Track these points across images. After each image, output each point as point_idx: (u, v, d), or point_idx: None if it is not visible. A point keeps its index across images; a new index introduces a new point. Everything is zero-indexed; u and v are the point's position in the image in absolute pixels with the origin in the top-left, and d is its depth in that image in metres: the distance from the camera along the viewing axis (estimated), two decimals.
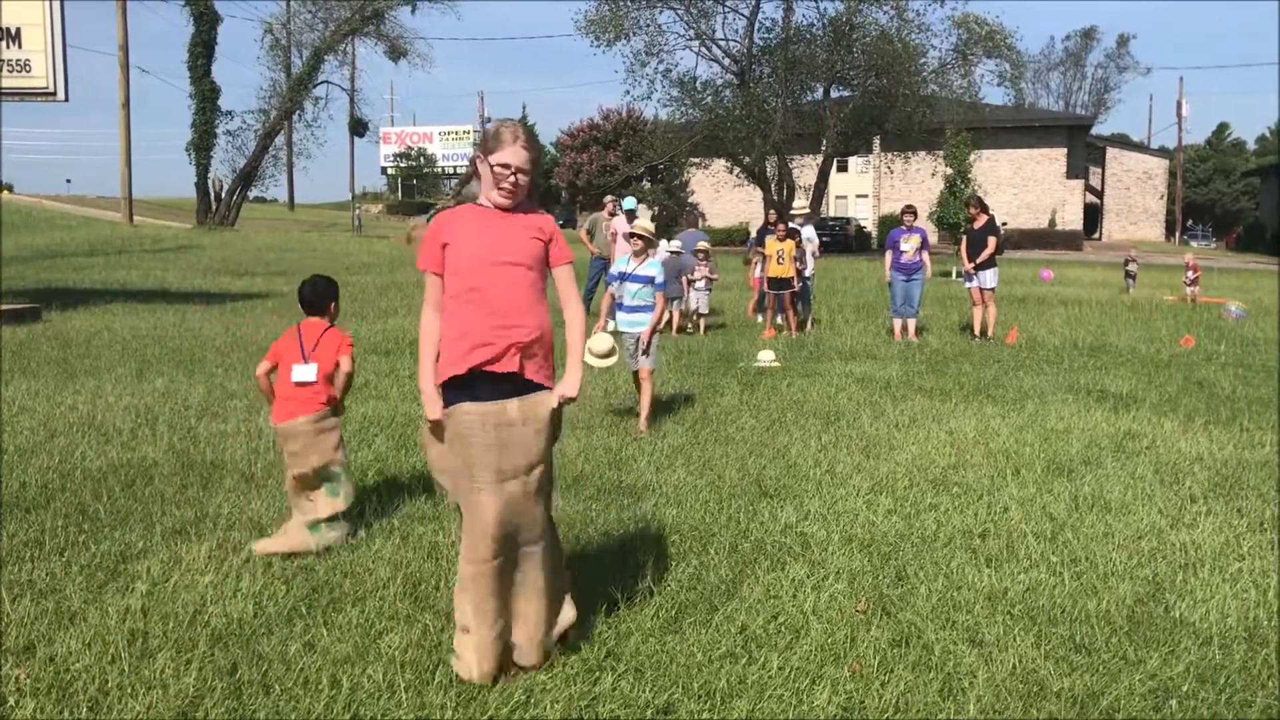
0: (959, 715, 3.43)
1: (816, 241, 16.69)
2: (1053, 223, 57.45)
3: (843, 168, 57.27)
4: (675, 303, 14.81)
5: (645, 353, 8.03)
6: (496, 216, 3.66)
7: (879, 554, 4.98)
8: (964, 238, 14.27)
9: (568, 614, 3.83)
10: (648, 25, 39.87)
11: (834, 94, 42.56)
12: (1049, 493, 6.14)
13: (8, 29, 15.27)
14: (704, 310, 14.87)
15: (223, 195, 45.51)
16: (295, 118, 47.90)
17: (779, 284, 14.37)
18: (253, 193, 49.38)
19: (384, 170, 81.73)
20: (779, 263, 14.23)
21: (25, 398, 8.38)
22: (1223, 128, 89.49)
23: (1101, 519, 5.64)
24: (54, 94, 15.66)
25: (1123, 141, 73.89)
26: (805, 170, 43.92)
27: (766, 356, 11.44)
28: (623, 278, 8.18)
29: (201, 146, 43.64)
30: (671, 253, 15.52)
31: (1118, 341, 13.89)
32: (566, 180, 55.62)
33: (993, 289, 13.88)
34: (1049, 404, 9.06)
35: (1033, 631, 4.09)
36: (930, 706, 3.48)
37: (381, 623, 4.04)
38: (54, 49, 15.39)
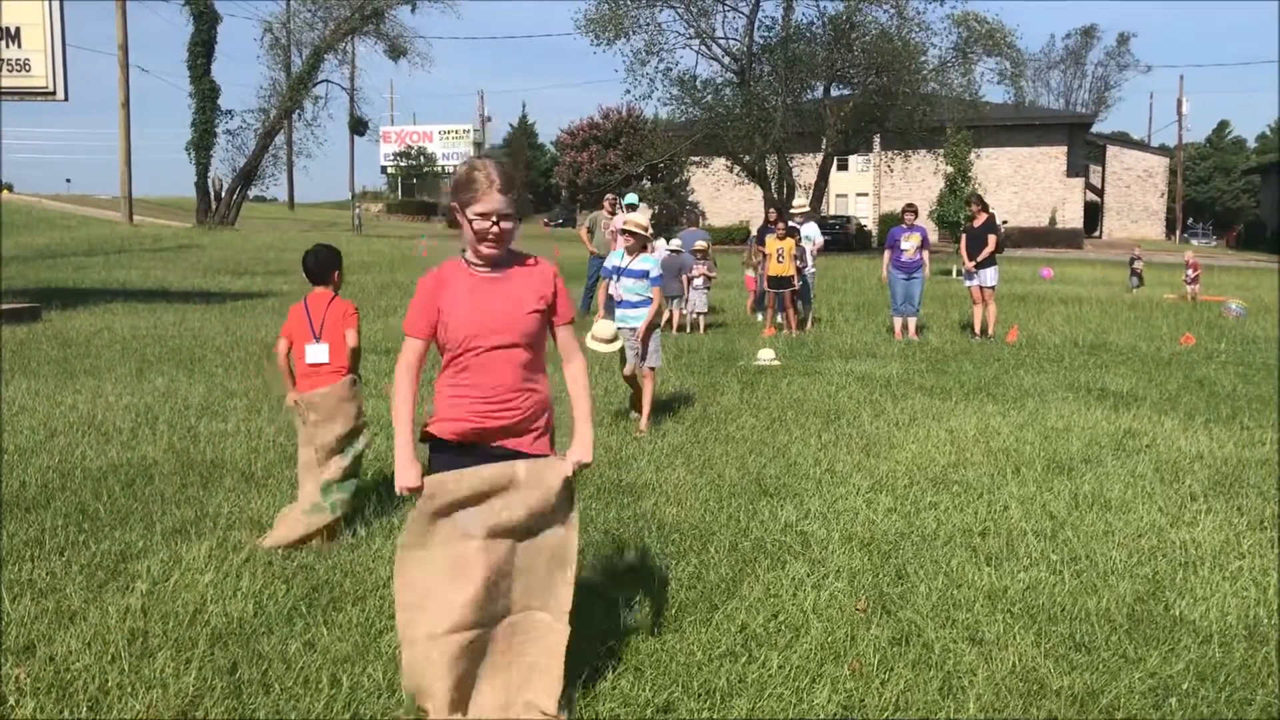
0: (959, 713, 3.43)
1: (819, 240, 16.68)
2: (1053, 221, 57.44)
3: (843, 166, 57.24)
4: (675, 301, 14.82)
5: (646, 352, 7.98)
6: (487, 283, 3.28)
7: (879, 552, 4.98)
8: (964, 236, 14.28)
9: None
10: (647, 24, 39.92)
11: (834, 92, 42.57)
12: (1049, 491, 6.15)
13: (7, 28, 15.26)
14: (702, 309, 14.87)
15: (223, 194, 45.51)
16: (295, 117, 47.91)
17: (779, 283, 14.36)
18: (253, 192, 49.43)
19: (384, 169, 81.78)
20: (779, 261, 14.22)
21: (25, 397, 8.38)
22: (1223, 126, 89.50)
23: (1101, 517, 5.64)
24: (53, 93, 15.65)
25: (1123, 140, 73.80)
26: (805, 169, 43.93)
27: (767, 355, 11.44)
28: (618, 273, 8.12)
29: (201, 146, 43.64)
30: (672, 251, 15.53)
31: (1118, 340, 13.89)
32: (566, 179, 55.62)
33: (993, 287, 13.88)
34: (1049, 402, 9.06)
35: (1033, 630, 4.09)
36: (930, 705, 3.48)
37: (381, 622, 4.04)
38: (53, 48, 15.39)
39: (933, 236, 19.16)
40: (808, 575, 4.63)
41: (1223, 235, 73.66)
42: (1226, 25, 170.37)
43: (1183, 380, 10.49)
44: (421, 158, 78.68)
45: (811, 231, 16.23)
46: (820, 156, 42.91)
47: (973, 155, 34.18)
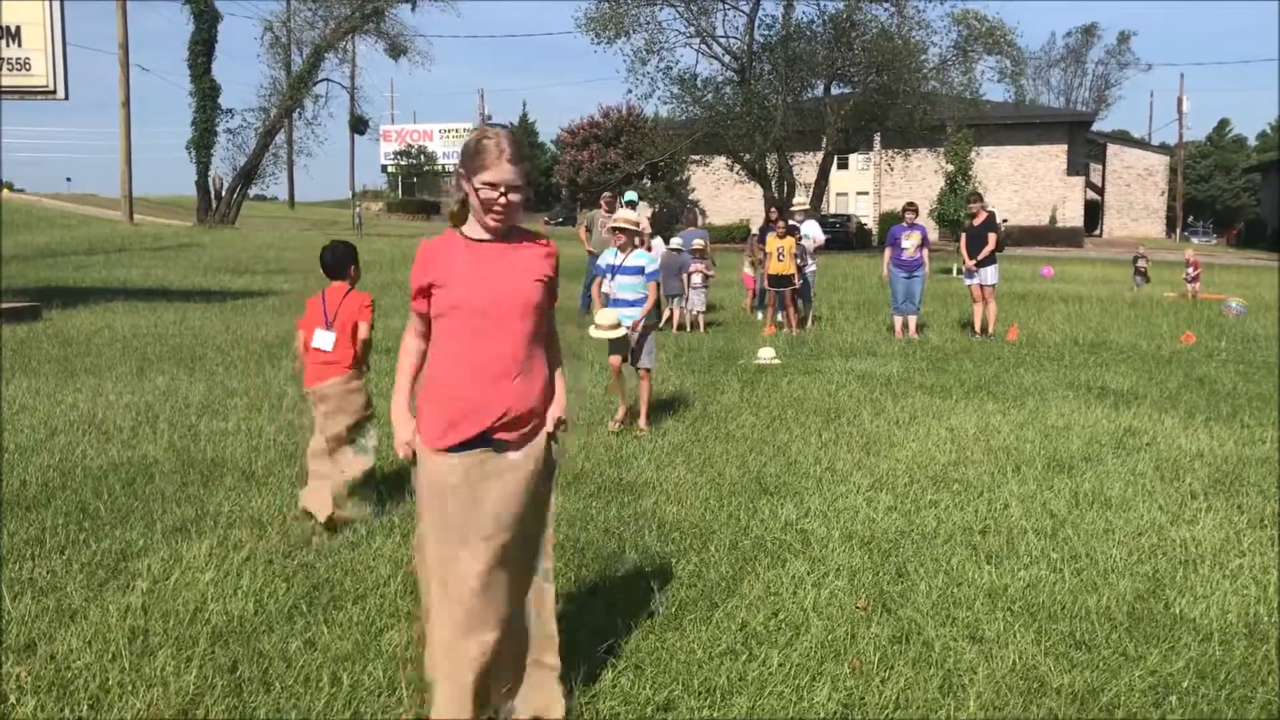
0: (959, 711, 3.44)
1: (820, 238, 16.69)
2: (1053, 219, 57.43)
3: (843, 165, 57.21)
4: (676, 300, 14.82)
5: (640, 353, 7.91)
6: (489, 253, 3.10)
7: (879, 551, 4.98)
8: (964, 234, 14.27)
9: (549, 706, 3.24)
10: (648, 23, 39.93)
11: (834, 91, 42.58)
12: (1049, 489, 6.15)
13: (7, 27, 15.26)
14: (700, 308, 14.86)
15: (223, 193, 45.51)
16: (295, 115, 47.91)
17: (779, 281, 14.36)
18: (253, 191, 49.51)
19: (384, 168, 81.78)
20: (779, 260, 14.22)
21: (26, 396, 8.38)
22: (1223, 124, 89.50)
23: (1102, 515, 5.64)
24: (54, 92, 15.65)
25: (1123, 138, 73.75)
26: (806, 167, 43.95)
27: (767, 354, 11.44)
28: (612, 271, 8.00)
29: (202, 145, 43.65)
30: (672, 250, 15.54)
31: (1118, 338, 13.89)
32: (567, 178, 55.59)
33: (993, 286, 13.88)
34: (1049, 401, 9.06)
35: (1033, 628, 4.09)
36: (930, 703, 3.48)
37: (382, 620, 4.04)
38: (54, 47, 15.38)
39: (933, 235, 19.13)
40: (808, 573, 4.63)
41: (1223, 233, 73.64)
42: (1227, 23, 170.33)
43: (1183, 378, 10.49)
44: (422, 156, 78.70)
45: (812, 229, 16.23)
46: (820, 155, 42.92)
47: (973, 154, 34.19)
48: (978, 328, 13.91)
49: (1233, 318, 16.89)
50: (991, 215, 14.21)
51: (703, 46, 41.40)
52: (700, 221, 18.49)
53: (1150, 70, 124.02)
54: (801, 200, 22.14)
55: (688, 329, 14.52)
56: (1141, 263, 24.25)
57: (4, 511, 5.32)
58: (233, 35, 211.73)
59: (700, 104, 40.93)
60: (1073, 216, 57.82)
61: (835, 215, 51.54)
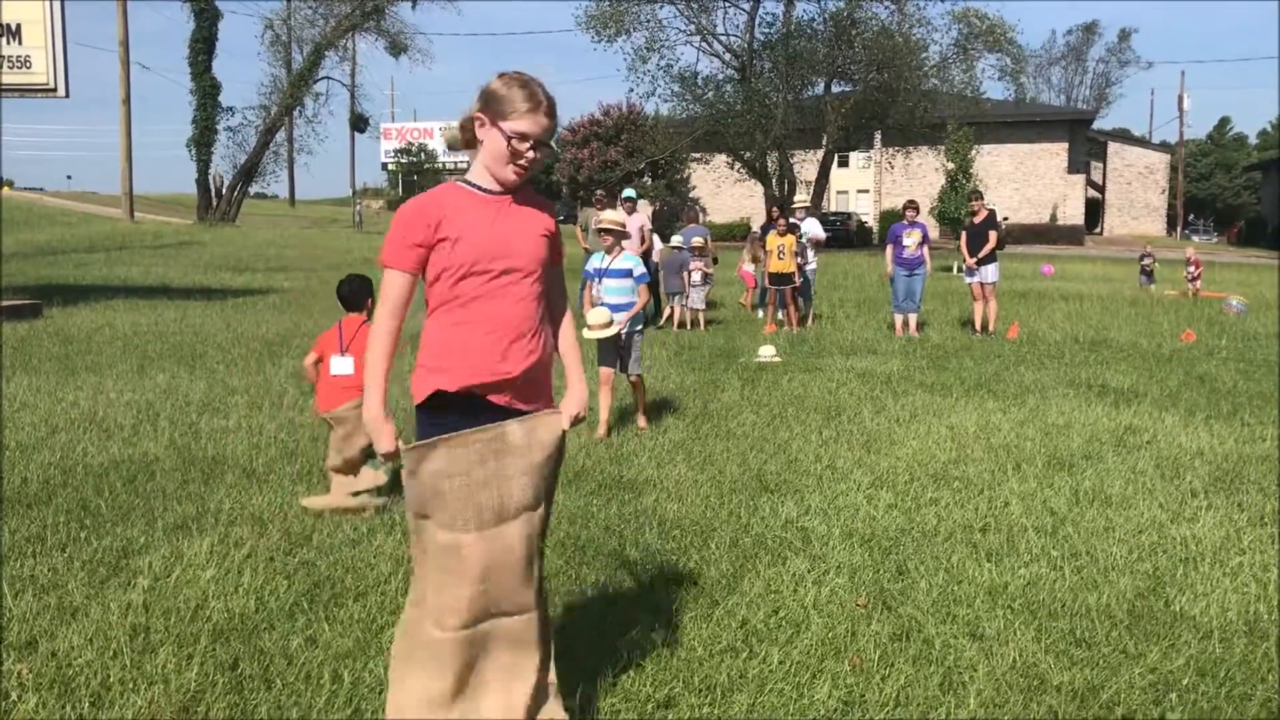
0: (959, 709, 3.44)
1: (820, 234, 16.71)
2: (1054, 217, 57.42)
3: (844, 163, 57.21)
4: (676, 298, 14.83)
5: (628, 362, 7.66)
6: (497, 206, 2.89)
7: (879, 548, 4.99)
8: (964, 232, 14.27)
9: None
10: (648, 21, 39.93)
11: (835, 89, 42.58)
12: (1050, 487, 6.15)
13: (8, 25, 15.26)
14: (700, 305, 14.87)
15: (223, 191, 45.54)
16: (296, 113, 47.96)
17: (780, 279, 14.37)
18: (253, 189, 49.52)
19: (385, 166, 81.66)
20: (779, 258, 14.22)
21: (27, 394, 8.38)
22: (1224, 122, 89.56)
23: (1102, 513, 5.64)
24: (54, 90, 15.65)
25: (1124, 136, 73.71)
26: (806, 165, 43.96)
27: (767, 352, 11.44)
28: (599, 274, 7.73)
29: (202, 142, 43.67)
30: (673, 248, 15.55)
31: (1119, 336, 13.89)
32: (567, 176, 55.57)
33: (994, 284, 13.89)
34: (1050, 399, 9.06)
35: (1033, 625, 4.09)
36: (930, 700, 3.49)
37: (383, 617, 4.05)
38: (54, 45, 15.39)
39: (933, 233, 19.12)
40: (808, 571, 4.63)
41: (1223, 232, 73.61)
42: (1228, 22, 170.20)
43: (1183, 377, 10.50)
44: (422, 154, 78.58)
45: (812, 227, 16.25)
46: (821, 153, 42.93)
47: (974, 151, 34.19)
48: (978, 326, 13.92)
49: (1233, 316, 16.89)
50: (992, 213, 14.21)
51: (703, 44, 41.45)
52: (701, 219, 18.50)
53: (1151, 68, 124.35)
54: (802, 198, 22.15)
55: (688, 327, 14.53)
56: (1148, 261, 24.23)
57: (5, 509, 5.32)
58: (233, 33, 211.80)
59: (701, 102, 40.94)
60: (1073, 214, 57.81)
61: (836, 213, 51.55)
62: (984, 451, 7.07)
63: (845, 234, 45.98)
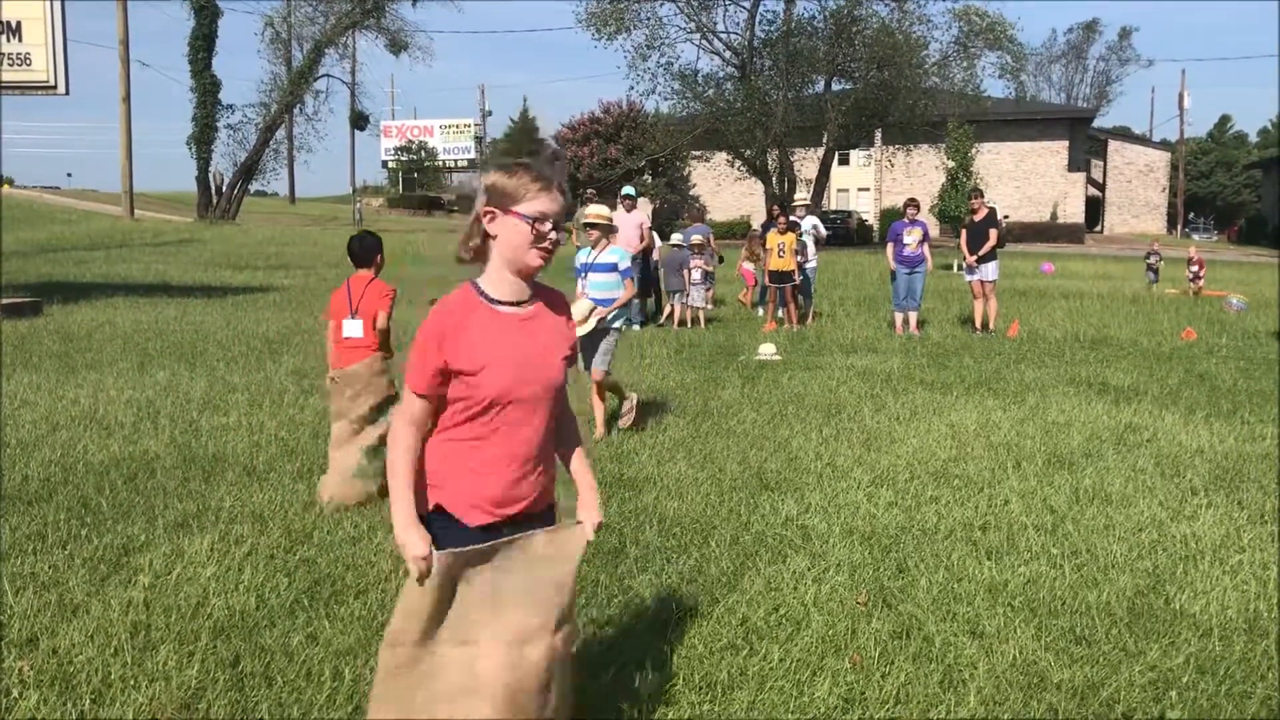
0: (959, 706, 3.44)
1: (821, 230, 16.75)
2: (1054, 216, 57.40)
3: (844, 161, 57.19)
4: (677, 296, 14.84)
5: (592, 353, 7.30)
6: (519, 325, 2.63)
7: (880, 546, 4.99)
8: (965, 231, 14.27)
9: None
10: (648, 18, 39.92)
11: (835, 87, 42.56)
12: (1050, 485, 6.15)
13: (8, 23, 15.26)
14: (700, 304, 14.87)
15: (224, 189, 45.51)
16: (296, 111, 47.90)
17: (780, 277, 14.37)
18: (253, 187, 49.49)
19: (385, 164, 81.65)
20: (779, 256, 14.22)
21: (27, 391, 8.38)
22: (1225, 120, 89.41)
23: (1102, 511, 5.65)
24: (55, 87, 15.65)
25: (1124, 134, 73.68)
26: (807, 163, 43.93)
27: (768, 350, 11.45)
28: (585, 269, 7.57)
29: (202, 140, 43.64)
30: (674, 246, 15.57)
31: (1119, 335, 13.89)
32: (568, 174, 55.57)
33: (994, 282, 13.88)
34: (1050, 397, 9.06)
35: (1033, 623, 4.09)
36: (931, 698, 3.49)
37: (384, 615, 4.04)
38: (55, 42, 15.38)
39: (934, 231, 19.14)
40: (808, 569, 4.63)
41: (1224, 230, 73.58)
42: (1228, 20, 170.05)
43: (1184, 375, 10.50)
44: (422, 152, 78.58)
45: (809, 224, 16.27)
46: (821, 151, 42.90)
47: (974, 150, 34.18)
48: (978, 324, 13.92)
49: (1233, 314, 16.89)
50: (992, 211, 14.21)
51: (703, 42, 41.41)
52: (704, 217, 18.54)
53: (1151, 66, 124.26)
54: (803, 196, 22.16)
55: (688, 325, 14.54)
56: (1154, 259, 24.22)
57: (6, 506, 5.33)
58: (233, 30, 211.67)
59: (701, 100, 40.95)
60: (1074, 213, 57.79)
61: (836, 211, 51.55)
62: (984, 449, 7.07)
63: (845, 232, 45.99)
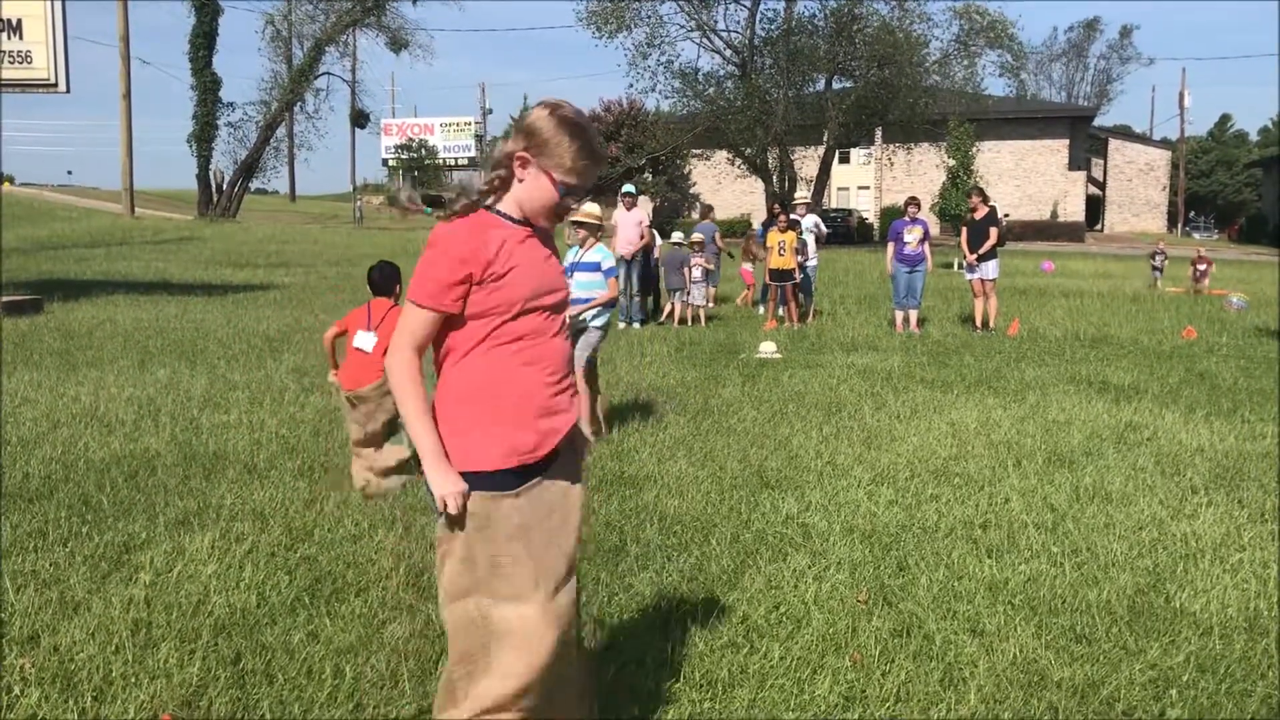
0: (960, 704, 3.44)
1: (821, 229, 16.76)
2: (1054, 214, 57.37)
3: (844, 159, 57.16)
4: (677, 294, 14.84)
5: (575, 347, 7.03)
6: (536, 239, 2.66)
7: (880, 544, 4.99)
8: (965, 229, 14.27)
9: None
10: (649, 17, 39.90)
11: (836, 85, 42.54)
12: (1050, 484, 6.15)
13: (9, 20, 15.26)
14: (700, 302, 14.87)
15: (224, 187, 45.51)
16: (296, 109, 47.91)
17: (780, 275, 14.37)
18: (254, 184, 49.46)
19: (385, 162, 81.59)
20: (780, 254, 14.23)
21: (28, 389, 8.39)
22: (1225, 119, 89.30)
23: (1102, 510, 5.65)
24: (55, 85, 15.65)
25: (1125, 133, 73.61)
26: (807, 162, 43.90)
27: (768, 348, 11.45)
28: (571, 268, 7.46)
29: (203, 138, 43.66)
30: (674, 244, 15.57)
31: (1119, 333, 13.89)
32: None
33: (994, 280, 13.89)
34: (1050, 395, 9.06)
35: (1033, 621, 4.09)
36: (931, 696, 3.49)
37: (384, 613, 4.05)
38: (55, 40, 15.38)
39: (934, 229, 19.12)
40: (809, 567, 4.63)
41: (1224, 229, 73.55)
42: (1229, 18, 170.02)
43: (1184, 373, 10.50)
44: (423, 150, 78.54)
45: (810, 222, 16.29)
46: (822, 149, 42.89)
47: (974, 148, 34.17)
48: (979, 322, 13.92)
49: (1234, 313, 16.89)
50: (993, 210, 14.21)
51: (704, 41, 41.37)
52: (709, 215, 18.59)
53: (1152, 65, 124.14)
54: (803, 194, 22.18)
55: (689, 323, 14.54)
56: (1160, 259, 24.25)
57: (7, 504, 5.33)
58: (234, 28, 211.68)
59: (701, 98, 40.95)
60: (1074, 211, 57.76)
61: (837, 209, 51.54)
62: (984, 448, 7.07)
63: (846, 230, 45.98)
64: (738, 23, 41.87)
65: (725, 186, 53.79)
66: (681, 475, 6.22)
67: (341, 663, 3.61)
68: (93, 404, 7.87)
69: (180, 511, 5.30)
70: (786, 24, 40.43)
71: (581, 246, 7.55)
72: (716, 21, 41.39)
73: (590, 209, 7.69)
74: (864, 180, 60.40)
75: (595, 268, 7.46)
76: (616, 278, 7.47)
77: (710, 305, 15.81)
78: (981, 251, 13.67)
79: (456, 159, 77.95)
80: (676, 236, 15.87)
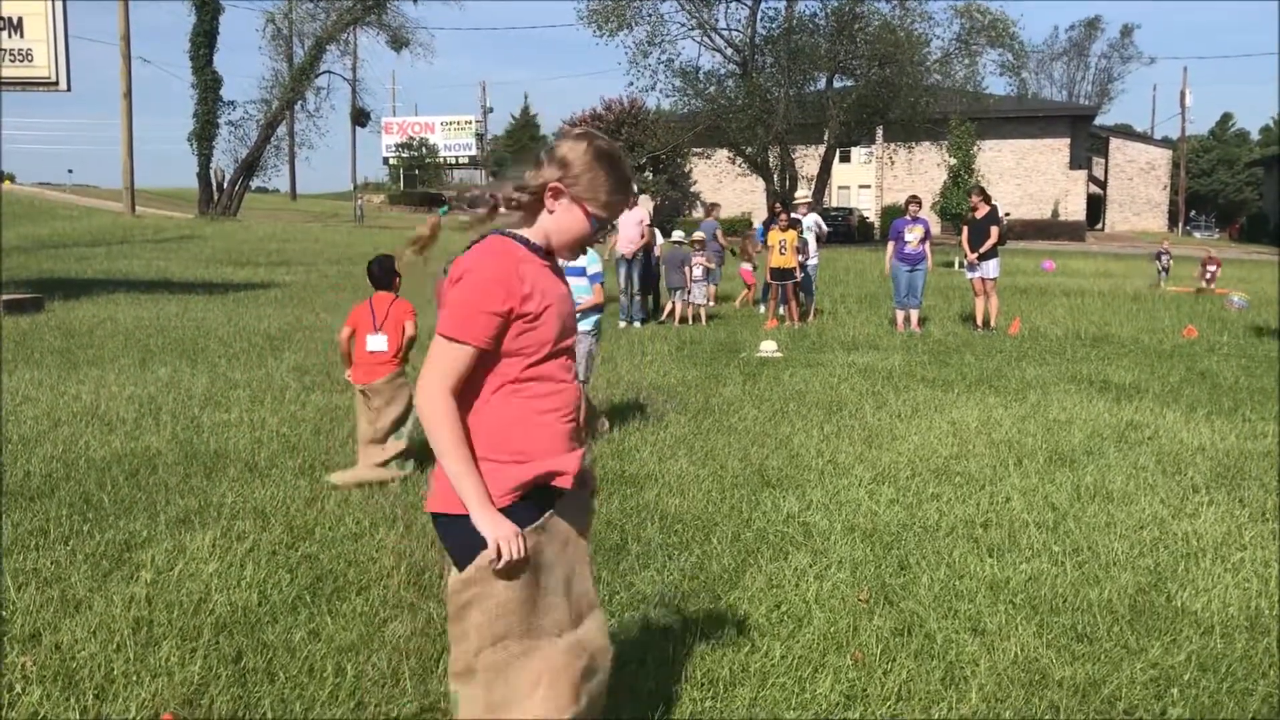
0: (961, 703, 3.44)
1: (822, 228, 16.77)
2: (1055, 213, 57.36)
3: (845, 158, 57.15)
4: (678, 293, 14.84)
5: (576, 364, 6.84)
6: (549, 268, 2.56)
7: (881, 543, 4.99)
8: (966, 228, 14.27)
9: None
10: (650, 15, 39.90)
11: (837, 84, 42.53)
12: (1051, 483, 6.15)
13: (10, 18, 15.26)
14: (699, 300, 14.87)
15: (225, 186, 45.51)
16: (297, 108, 47.90)
17: (781, 274, 14.37)
18: (255, 183, 49.47)
19: (386, 160, 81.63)
20: (781, 253, 14.22)
21: (29, 387, 8.39)
22: (1226, 118, 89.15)
23: (1103, 509, 5.65)
24: (56, 84, 15.65)
25: (1126, 132, 73.58)
26: (808, 160, 43.90)
27: (769, 347, 11.45)
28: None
29: (203, 137, 43.66)
30: (674, 243, 15.57)
31: (1120, 332, 13.88)
32: None
33: (995, 279, 13.88)
34: (1051, 394, 9.06)
35: (1034, 621, 4.10)
36: (932, 695, 3.49)
37: (385, 611, 4.05)
38: (56, 39, 15.38)
39: (935, 228, 19.11)
40: (810, 566, 4.64)
41: (1225, 228, 73.51)
42: (1230, 17, 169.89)
43: (1185, 372, 10.49)
44: (424, 149, 78.54)
45: (811, 221, 16.29)
46: (823, 148, 42.88)
47: (975, 147, 34.16)
48: (979, 321, 13.92)
49: (1234, 312, 16.89)
50: (994, 209, 14.20)
51: (705, 39, 41.37)
52: (714, 215, 18.61)
53: (1153, 64, 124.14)
54: (803, 193, 22.18)
55: (689, 322, 14.54)
56: (1165, 258, 24.25)
57: (8, 502, 5.33)
58: (234, 27, 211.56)
59: (702, 97, 40.95)
60: (1075, 210, 57.76)
61: (838, 208, 51.52)
62: (985, 447, 7.07)
63: (847, 229, 45.96)
64: (739, 21, 41.93)
65: (726, 185, 53.78)
66: (682, 474, 6.22)
67: (343, 661, 3.61)
68: (93, 402, 7.87)
69: (181, 510, 5.30)
70: (787, 22, 40.42)
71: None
72: (717, 20, 41.43)
73: None
74: (865, 179, 60.39)
75: (581, 272, 7.25)
76: (602, 284, 7.33)
77: (711, 304, 15.81)
78: (982, 250, 13.66)
79: (457, 157, 78.00)
80: (677, 235, 15.86)
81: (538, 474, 2.44)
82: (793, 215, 15.26)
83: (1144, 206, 65.86)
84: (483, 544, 2.37)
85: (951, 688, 3.55)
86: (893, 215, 34.59)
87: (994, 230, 13.75)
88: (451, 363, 2.39)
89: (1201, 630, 4.04)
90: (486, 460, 2.42)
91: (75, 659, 3.58)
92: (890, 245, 13.93)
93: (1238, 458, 6.85)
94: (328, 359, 10.01)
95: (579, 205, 2.52)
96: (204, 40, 42.72)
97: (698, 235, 15.54)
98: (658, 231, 15.91)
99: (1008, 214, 41.42)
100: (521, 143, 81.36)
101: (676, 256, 14.93)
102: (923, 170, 48.86)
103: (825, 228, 17.19)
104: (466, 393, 2.44)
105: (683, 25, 40.80)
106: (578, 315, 7.09)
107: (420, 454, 6.01)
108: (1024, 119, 55.70)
